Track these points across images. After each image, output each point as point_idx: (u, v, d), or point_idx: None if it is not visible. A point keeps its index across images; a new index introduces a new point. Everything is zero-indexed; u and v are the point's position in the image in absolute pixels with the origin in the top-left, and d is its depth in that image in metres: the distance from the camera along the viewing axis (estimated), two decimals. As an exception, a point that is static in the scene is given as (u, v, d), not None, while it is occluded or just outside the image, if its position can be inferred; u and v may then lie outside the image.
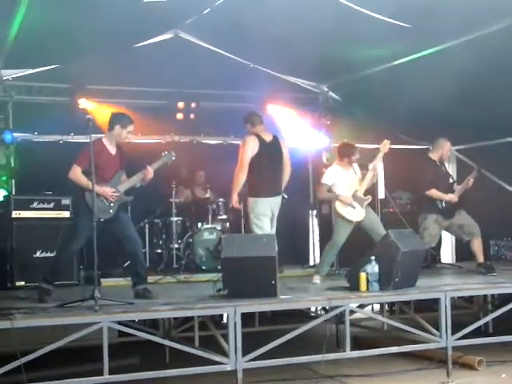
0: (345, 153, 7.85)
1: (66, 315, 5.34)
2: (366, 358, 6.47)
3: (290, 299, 6.20)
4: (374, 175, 7.82)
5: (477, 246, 8.23)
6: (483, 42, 7.29)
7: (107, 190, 6.10)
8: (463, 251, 9.63)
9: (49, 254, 7.64)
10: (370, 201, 7.74)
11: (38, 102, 9.37)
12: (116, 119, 6.32)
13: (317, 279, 7.63)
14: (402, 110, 9.55)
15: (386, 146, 7.75)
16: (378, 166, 7.79)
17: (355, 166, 7.91)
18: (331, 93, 10.56)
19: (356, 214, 7.63)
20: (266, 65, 8.96)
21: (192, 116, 10.10)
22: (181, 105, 10.02)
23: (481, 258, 8.25)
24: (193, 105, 10.05)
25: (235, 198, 7.35)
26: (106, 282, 7.78)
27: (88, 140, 5.79)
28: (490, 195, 10.10)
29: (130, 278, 6.61)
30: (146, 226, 9.57)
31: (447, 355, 6.31)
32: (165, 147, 9.94)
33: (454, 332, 6.36)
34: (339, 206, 7.66)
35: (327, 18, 7.02)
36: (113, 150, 6.25)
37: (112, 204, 6.19)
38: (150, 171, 6.36)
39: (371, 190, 8.03)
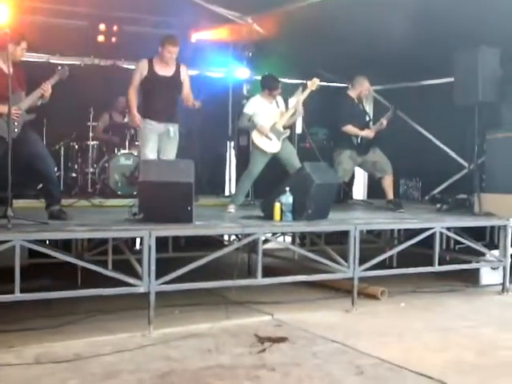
0: (266, 85, 7.89)
1: (-25, 232, 5.25)
2: (276, 286, 6.69)
3: (205, 225, 6.27)
4: (297, 111, 7.89)
5: (388, 183, 8.52)
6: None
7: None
8: (374, 189, 9.94)
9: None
10: (287, 135, 7.85)
11: None
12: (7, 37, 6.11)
13: (231, 208, 7.74)
14: (324, 47, 9.62)
15: (314, 83, 7.82)
16: (301, 103, 7.87)
17: (279, 98, 7.97)
18: (255, 25, 10.49)
19: (272, 145, 7.74)
20: (192, -9, 8.82)
21: (113, 39, 9.88)
22: (102, 27, 9.78)
23: (390, 195, 8.55)
24: (115, 28, 9.83)
25: None
26: (18, 203, 7.57)
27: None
28: (404, 137, 10.39)
29: (43, 200, 6.55)
30: (62, 148, 9.41)
31: (353, 285, 6.58)
32: (84, 70, 9.77)
33: (361, 264, 6.64)
34: (256, 137, 7.75)
35: None
36: (8, 69, 5.91)
37: (16, 123, 6.08)
38: (47, 87, 6.25)
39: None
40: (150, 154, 7.21)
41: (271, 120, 7.77)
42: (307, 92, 7.83)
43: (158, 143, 7.28)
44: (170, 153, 7.29)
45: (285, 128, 7.81)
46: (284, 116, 7.83)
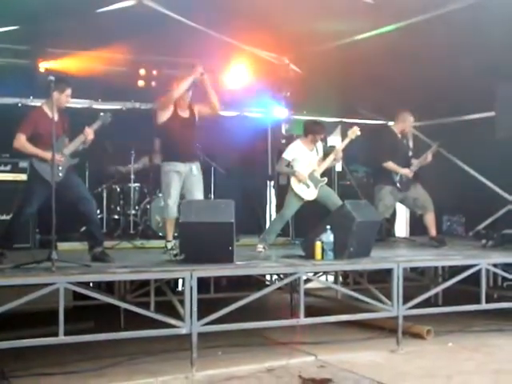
0: (310, 130, 7.83)
1: (21, 275, 5.33)
2: (319, 326, 6.61)
3: (246, 265, 6.26)
4: (336, 159, 7.88)
5: (429, 220, 8.42)
6: (443, 20, 7.38)
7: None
8: (417, 225, 9.83)
9: (4, 217, 7.66)
10: (325, 182, 7.81)
11: (-4, 64, 9.23)
12: (53, 84, 6.23)
13: (261, 248, 7.64)
14: (361, 85, 9.64)
15: (354, 132, 7.78)
16: (341, 151, 7.84)
17: (319, 145, 7.94)
18: (292, 65, 10.59)
19: (308, 193, 7.71)
20: (229, 34, 8.95)
21: (153, 83, 10.06)
22: (142, 72, 9.98)
23: (433, 232, 8.44)
24: (154, 72, 10.02)
25: None
26: (62, 246, 7.68)
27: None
28: (446, 172, 10.28)
29: (86, 243, 6.63)
30: (104, 191, 9.53)
31: (398, 324, 6.46)
32: (125, 114, 9.98)
33: (405, 302, 6.52)
34: (294, 182, 7.72)
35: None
36: (54, 116, 6.08)
37: (60, 168, 6.21)
38: (89, 133, 6.40)
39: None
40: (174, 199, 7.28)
41: (310, 167, 7.74)
42: (347, 141, 7.81)
43: (184, 183, 7.35)
44: (197, 191, 7.35)
45: (322, 175, 7.79)
46: (323, 163, 7.80)
